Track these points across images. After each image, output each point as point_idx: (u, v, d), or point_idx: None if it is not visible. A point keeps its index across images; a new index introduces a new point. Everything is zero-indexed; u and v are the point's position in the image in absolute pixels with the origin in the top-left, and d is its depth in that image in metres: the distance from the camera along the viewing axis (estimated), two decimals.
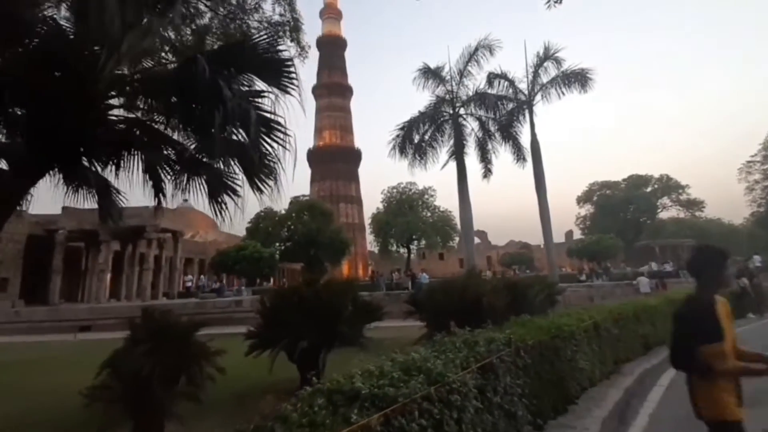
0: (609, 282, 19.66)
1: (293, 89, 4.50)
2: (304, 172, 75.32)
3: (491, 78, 15.76)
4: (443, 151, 15.68)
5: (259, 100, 4.32)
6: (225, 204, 5.50)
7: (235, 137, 4.68)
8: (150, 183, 5.50)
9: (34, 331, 17.85)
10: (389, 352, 3.28)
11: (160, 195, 5.63)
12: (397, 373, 2.79)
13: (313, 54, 76.09)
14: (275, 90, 4.64)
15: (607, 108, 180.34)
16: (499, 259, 52.78)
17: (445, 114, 15.76)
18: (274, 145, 4.51)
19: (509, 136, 15.62)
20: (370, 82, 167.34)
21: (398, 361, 3.01)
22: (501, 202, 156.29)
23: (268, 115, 4.17)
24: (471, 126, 15.96)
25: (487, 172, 16.10)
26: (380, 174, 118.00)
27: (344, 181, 68.93)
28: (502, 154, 17.71)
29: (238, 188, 5.36)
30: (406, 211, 42.57)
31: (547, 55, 15.72)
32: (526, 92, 15.99)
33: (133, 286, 22.73)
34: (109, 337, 10.42)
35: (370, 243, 52.04)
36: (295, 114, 4.39)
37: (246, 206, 5.47)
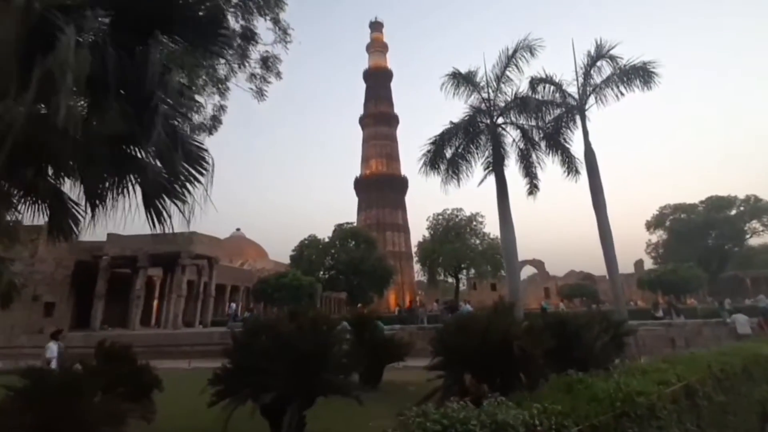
0: (728, 320, 14.62)
1: (225, 52, 3.31)
2: (351, 200, 75.32)
3: (534, 83, 13.95)
4: (479, 165, 14.03)
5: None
6: (167, 212, 4.37)
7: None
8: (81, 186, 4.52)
9: (70, 356, 17.94)
10: (408, 402, 2.66)
11: (97, 201, 4.61)
12: None
13: (361, 85, 78.26)
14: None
15: (674, 117, 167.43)
16: (557, 290, 48.36)
17: (480, 124, 14.14)
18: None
19: (557, 146, 13.61)
20: (417, 110, 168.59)
21: None
22: (559, 230, 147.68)
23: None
24: (511, 135, 14.39)
25: (533, 188, 14.12)
26: (428, 201, 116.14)
27: (391, 209, 68.31)
28: (550, 168, 15.36)
29: (179, 191, 4.22)
30: (452, 238, 40.56)
31: (600, 53, 13.70)
32: (576, 96, 14.00)
33: (171, 313, 22.66)
34: None
35: (418, 272, 50.13)
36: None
37: (192, 216, 4.28)
